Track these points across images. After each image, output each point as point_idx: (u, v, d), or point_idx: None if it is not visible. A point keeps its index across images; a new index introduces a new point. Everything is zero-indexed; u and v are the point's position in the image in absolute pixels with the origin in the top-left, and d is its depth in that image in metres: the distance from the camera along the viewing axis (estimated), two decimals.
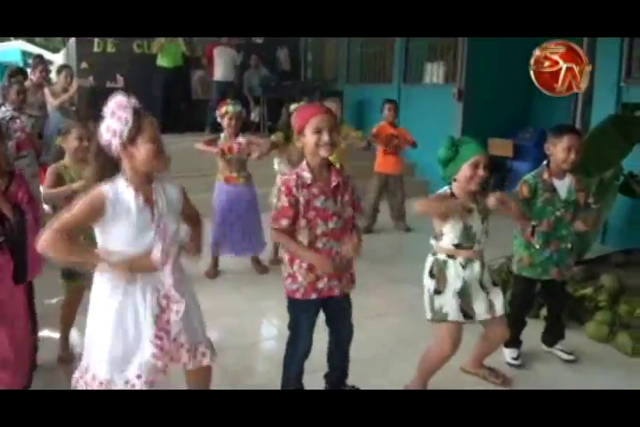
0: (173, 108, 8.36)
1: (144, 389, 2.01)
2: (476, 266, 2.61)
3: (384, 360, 3.03)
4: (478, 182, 2.49)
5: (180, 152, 4.64)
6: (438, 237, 2.61)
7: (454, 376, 2.96)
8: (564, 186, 3.02)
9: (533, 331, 3.32)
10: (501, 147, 6.70)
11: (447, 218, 2.52)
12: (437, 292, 2.59)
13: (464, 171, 2.49)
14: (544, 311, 3.47)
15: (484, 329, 2.78)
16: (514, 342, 3.15)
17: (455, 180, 2.55)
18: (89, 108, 6.73)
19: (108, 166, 2.04)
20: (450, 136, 2.59)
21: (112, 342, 2.04)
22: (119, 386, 2.03)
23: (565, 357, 3.25)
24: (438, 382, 2.79)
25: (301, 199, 2.31)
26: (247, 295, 4.13)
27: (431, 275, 2.62)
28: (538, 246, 3.03)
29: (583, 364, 3.24)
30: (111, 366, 2.04)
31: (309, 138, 2.29)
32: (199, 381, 2.35)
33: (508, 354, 3.18)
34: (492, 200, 2.53)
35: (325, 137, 2.26)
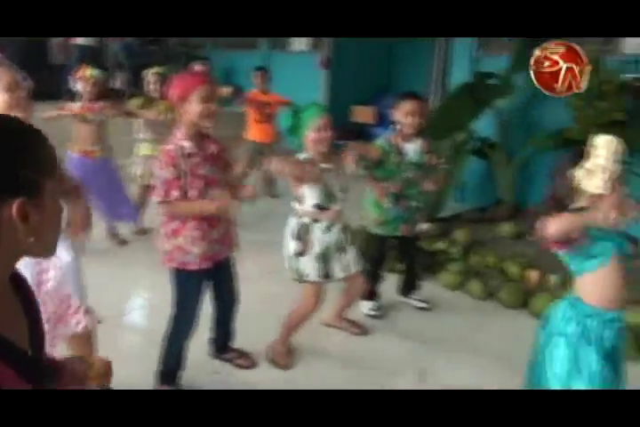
0: (30, 73, 7.73)
1: None
2: (337, 229, 2.73)
3: (250, 321, 3.10)
4: (326, 144, 2.61)
5: (38, 122, 4.34)
6: (300, 200, 2.69)
7: (315, 330, 3.12)
8: (413, 149, 3.19)
9: (390, 284, 3.56)
10: (364, 114, 6.91)
11: (302, 181, 2.61)
12: (300, 254, 2.69)
13: (309, 136, 2.60)
14: (400, 266, 3.71)
15: (345, 285, 2.93)
16: (371, 294, 3.36)
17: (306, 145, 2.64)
18: None
19: None
20: (292, 106, 2.67)
21: None
22: None
23: (419, 304, 3.53)
24: (304, 336, 2.94)
25: (185, 169, 2.29)
26: (111, 267, 4.01)
27: (295, 237, 2.70)
28: (388, 205, 3.21)
29: (439, 310, 3.54)
30: None
31: (195, 107, 2.28)
32: (75, 347, 2.31)
33: (367, 306, 3.38)
34: (348, 158, 2.67)
35: (212, 107, 2.29)
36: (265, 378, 2.74)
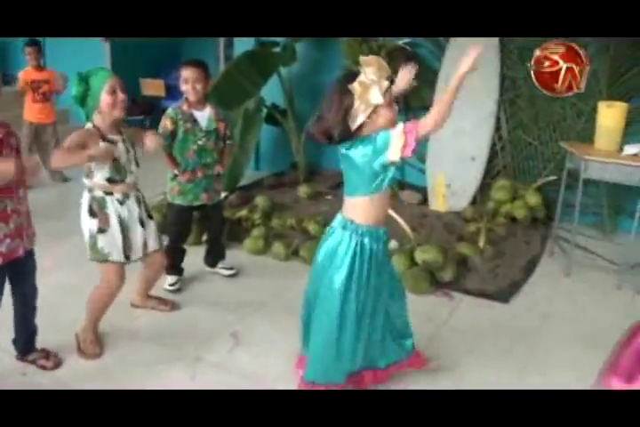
0: None
1: None
2: (133, 201, 2.67)
3: (52, 313, 2.95)
4: (122, 107, 2.52)
5: None
6: (89, 174, 2.57)
7: (126, 313, 3.08)
8: (204, 116, 3.20)
9: (196, 256, 3.59)
10: (153, 87, 6.77)
11: (92, 159, 2.47)
12: (101, 231, 2.58)
13: (104, 99, 2.48)
14: (204, 237, 3.74)
15: (143, 262, 2.90)
16: (174, 269, 3.36)
17: (98, 113, 2.52)
18: None
19: None
20: (77, 72, 2.52)
21: None
22: None
23: (227, 273, 3.60)
24: (110, 321, 2.87)
25: None
26: None
27: (91, 213, 2.58)
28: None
29: (245, 276, 3.64)
30: None
31: None
32: None
33: (168, 281, 3.36)
34: (149, 142, 2.62)
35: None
36: (76, 371, 2.64)
